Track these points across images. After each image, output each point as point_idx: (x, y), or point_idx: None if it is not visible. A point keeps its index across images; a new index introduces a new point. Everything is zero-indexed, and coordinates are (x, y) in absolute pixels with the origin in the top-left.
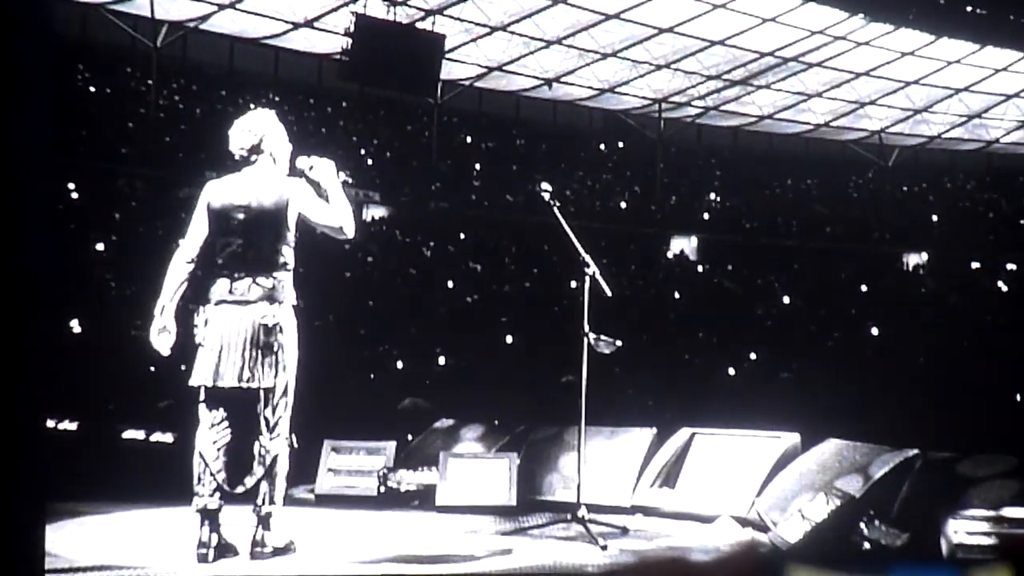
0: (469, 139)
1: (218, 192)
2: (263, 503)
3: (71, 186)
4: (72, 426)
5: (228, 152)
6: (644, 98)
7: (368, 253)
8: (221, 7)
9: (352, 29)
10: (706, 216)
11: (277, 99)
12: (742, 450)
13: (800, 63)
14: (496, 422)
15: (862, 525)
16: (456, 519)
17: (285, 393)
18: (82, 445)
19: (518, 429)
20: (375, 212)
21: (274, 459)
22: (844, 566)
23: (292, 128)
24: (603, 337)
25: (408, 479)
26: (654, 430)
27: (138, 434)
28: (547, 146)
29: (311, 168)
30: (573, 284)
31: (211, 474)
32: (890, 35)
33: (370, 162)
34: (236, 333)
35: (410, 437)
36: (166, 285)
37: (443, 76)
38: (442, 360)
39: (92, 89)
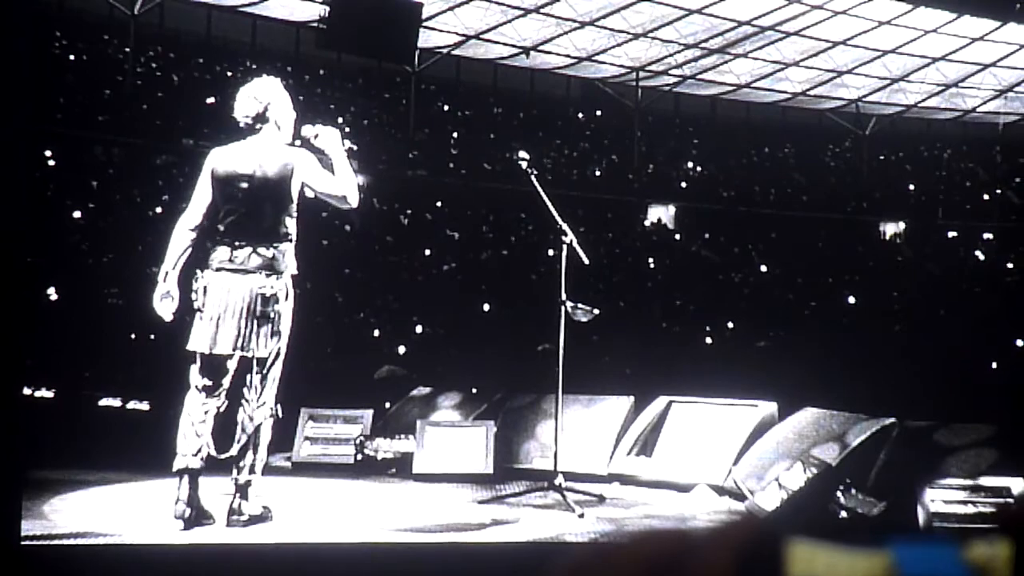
0: (446, 107)
1: (223, 159)
2: (243, 472)
3: (48, 153)
4: (48, 394)
5: (232, 119)
6: (622, 67)
7: (345, 221)
8: None
9: None
10: (683, 185)
11: (255, 67)
12: (719, 419)
13: (777, 32)
14: (473, 390)
15: (839, 494)
16: (433, 487)
17: (276, 363)
18: (58, 413)
19: (495, 397)
20: None
21: (257, 428)
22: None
23: None
24: (580, 305)
25: (385, 447)
26: (631, 398)
27: (114, 402)
28: (524, 115)
29: (316, 136)
30: (551, 252)
31: (196, 436)
32: (867, 4)
33: (347, 130)
34: (234, 301)
35: (387, 405)
36: (170, 251)
37: (420, 44)
38: (419, 328)
39: (71, 57)
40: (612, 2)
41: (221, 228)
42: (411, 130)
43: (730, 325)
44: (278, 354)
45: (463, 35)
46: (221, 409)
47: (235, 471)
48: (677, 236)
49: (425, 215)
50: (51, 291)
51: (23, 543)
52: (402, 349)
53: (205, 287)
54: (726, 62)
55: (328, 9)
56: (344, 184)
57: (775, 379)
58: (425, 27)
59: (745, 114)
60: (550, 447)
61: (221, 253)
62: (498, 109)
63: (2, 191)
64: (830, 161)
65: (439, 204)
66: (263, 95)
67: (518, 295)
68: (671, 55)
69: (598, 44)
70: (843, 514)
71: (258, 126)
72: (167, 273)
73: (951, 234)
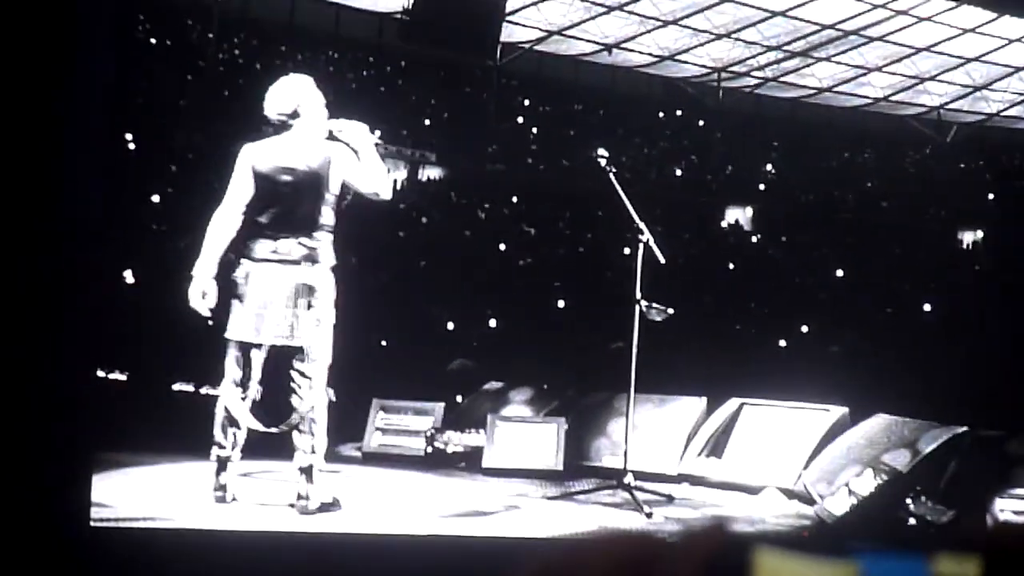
0: (527, 102)
1: (262, 155)
2: (304, 455)
3: (128, 137)
4: (122, 377)
5: (263, 116)
6: (703, 67)
7: (423, 213)
8: None
9: None
10: (762, 187)
11: (336, 56)
12: (790, 422)
13: (861, 36)
14: (545, 386)
15: (908, 501)
16: (502, 482)
17: (323, 350)
18: (131, 396)
19: (567, 394)
20: (431, 172)
21: (311, 410)
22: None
23: (351, 86)
24: (655, 304)
25: (455, 440)
26: (703, 399)
27: (187, 387)
28: (605, 112)
29: (340, 131)
30: (626, 251)
31: (235, 425)
32: (952, 11)
33: (427, 122)
34: (279, 291)
35: (459, 399)
36: (208, 246)
37: (503, 39)
38: (493, 323)
39: (152, 41)
40: (695, 2)
41: (263, 220)
42: (491, 124)
43: (804, 329)
44: (323, 340)
45: (546, 31)
46: (257, 398)
47: (295, 457)
48: (754, 238)
49: (502, 210)
50: (127, 274)
51: (93, 524)
52: (475, 343)
53: (247, 275)
54: (808, 65)
55: (412, 0)
56: (376, 177)
57: (848, 384)
58: (508, 21)
59: (826, 118)
60: (620, 445)
61: (264, 245)
62: (578, 105)
63: (83, 175)
64: (910, 168)
65: (516, 199)
66: (295, 93)
67: (593, 292)
68: (753, 56)
69: (680, 43)
70: (912, 521)
71: (291, 122)
72: (206, 269)
73: None
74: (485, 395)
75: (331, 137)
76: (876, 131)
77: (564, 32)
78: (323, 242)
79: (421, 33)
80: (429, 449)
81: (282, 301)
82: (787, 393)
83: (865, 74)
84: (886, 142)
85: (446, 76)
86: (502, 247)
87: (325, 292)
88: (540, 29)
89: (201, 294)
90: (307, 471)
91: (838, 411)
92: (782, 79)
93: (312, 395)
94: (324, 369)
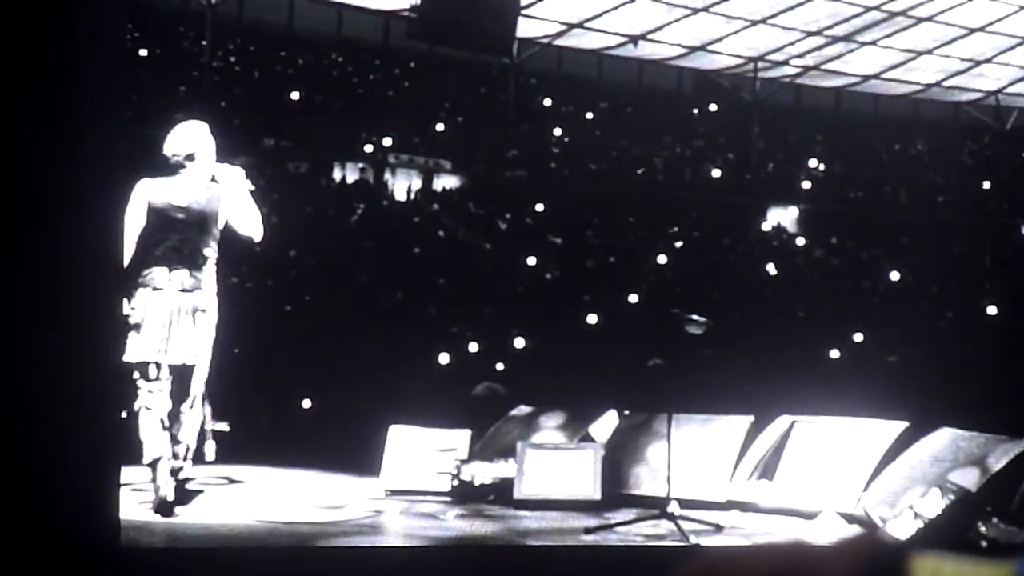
0: (548, 102)
1: (158, 192)
2: (177, 460)
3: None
4: None
5: (163, 156)
6: (739, 57)
7: (439, 226)
8: None
9: None
10: (806, 184)
11: (340, 59)
12: (847, 440)
13: (908, 17)
14: (578, 410)
15: (979, 523)
16: (535, 515)
17: (206, 365)
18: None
19: (602, 417)
20: (446, 182)
21: (189, 423)
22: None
23: (357, 91)
24: (693, 316)
25: (483, 472)
26: (750, 418)
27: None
28: (633, 109)
29: (222, 176)
30: (661, 259)
31: (166, 431)
32: None
33: (440, 127)
34: (176, 316)
35: (485, 426)
36: None
37: (519, 34)
38: (519, 342)
39: (142, 52)
40: None
41: (158, 252)
42: (510, 127)
43: (858, 338)
44: (207, 359)
45: (565, 23)
46: (170, 408)
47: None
48: (799, 241)
49: (525, 219)
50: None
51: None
52: (501, 365)
53: (144, 304)
54: (852, 51)
55: None
56: (253, 221)
57: (908, 397)
58: (524, 15)
59: (873, 107)
60: (662, 471)
61: (159, 275)
62: (604, 103)
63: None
64: (967, 159)
65: (540, 207)
66: (193, 138)
67: (626, 306)
68: (792, 44)
69: (713, 32)
70: (984, 544)
71: (186, 164)
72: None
73: None
74: (514, 421)
75: (213, 180)
76: (929, 120)
77: (585, 24)
78: (210, 272)
79: (431, 31)
80: (455, 482)
81: (180, 325)
82: (842, 408)
83: (915, 58)
84: (940, 132)
85: (459, 77)
86: (527, 260)
87: (212, 316)
88: (559, 22)
89: None
90: (175, 473)
91: (898, 426)
92: (824, 67)
93: (194, 412)
94: (203, 383)
